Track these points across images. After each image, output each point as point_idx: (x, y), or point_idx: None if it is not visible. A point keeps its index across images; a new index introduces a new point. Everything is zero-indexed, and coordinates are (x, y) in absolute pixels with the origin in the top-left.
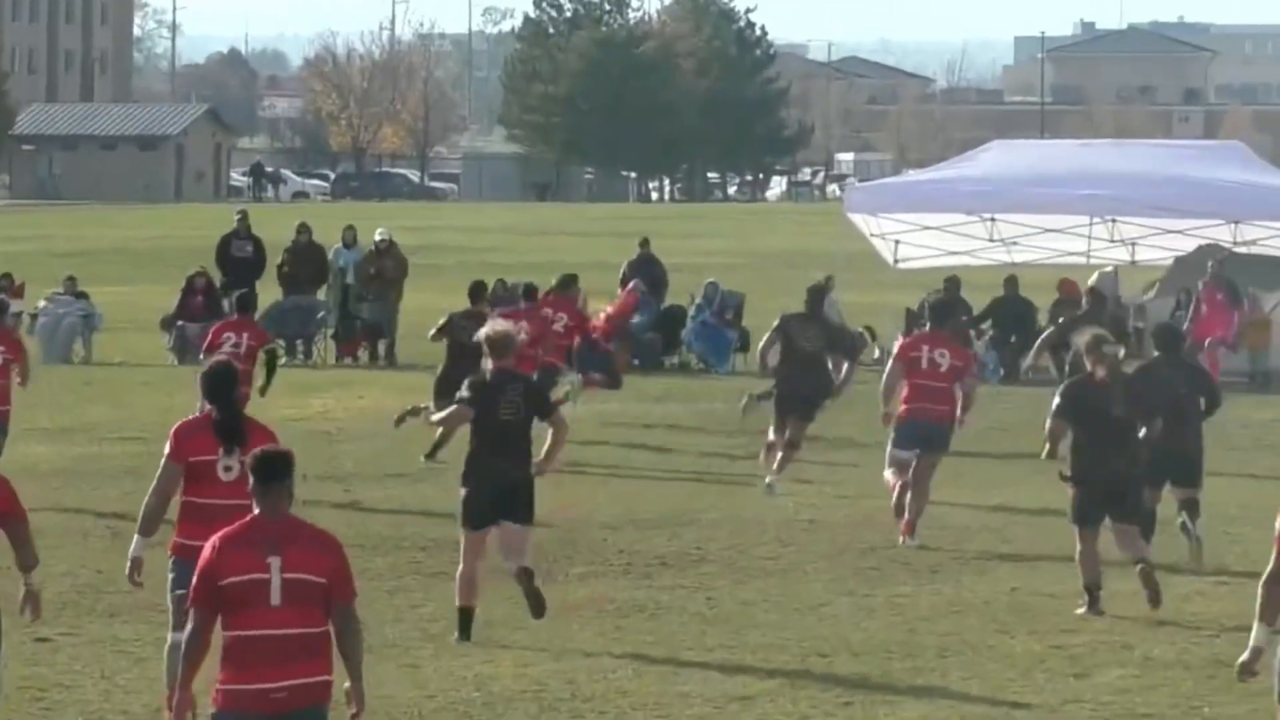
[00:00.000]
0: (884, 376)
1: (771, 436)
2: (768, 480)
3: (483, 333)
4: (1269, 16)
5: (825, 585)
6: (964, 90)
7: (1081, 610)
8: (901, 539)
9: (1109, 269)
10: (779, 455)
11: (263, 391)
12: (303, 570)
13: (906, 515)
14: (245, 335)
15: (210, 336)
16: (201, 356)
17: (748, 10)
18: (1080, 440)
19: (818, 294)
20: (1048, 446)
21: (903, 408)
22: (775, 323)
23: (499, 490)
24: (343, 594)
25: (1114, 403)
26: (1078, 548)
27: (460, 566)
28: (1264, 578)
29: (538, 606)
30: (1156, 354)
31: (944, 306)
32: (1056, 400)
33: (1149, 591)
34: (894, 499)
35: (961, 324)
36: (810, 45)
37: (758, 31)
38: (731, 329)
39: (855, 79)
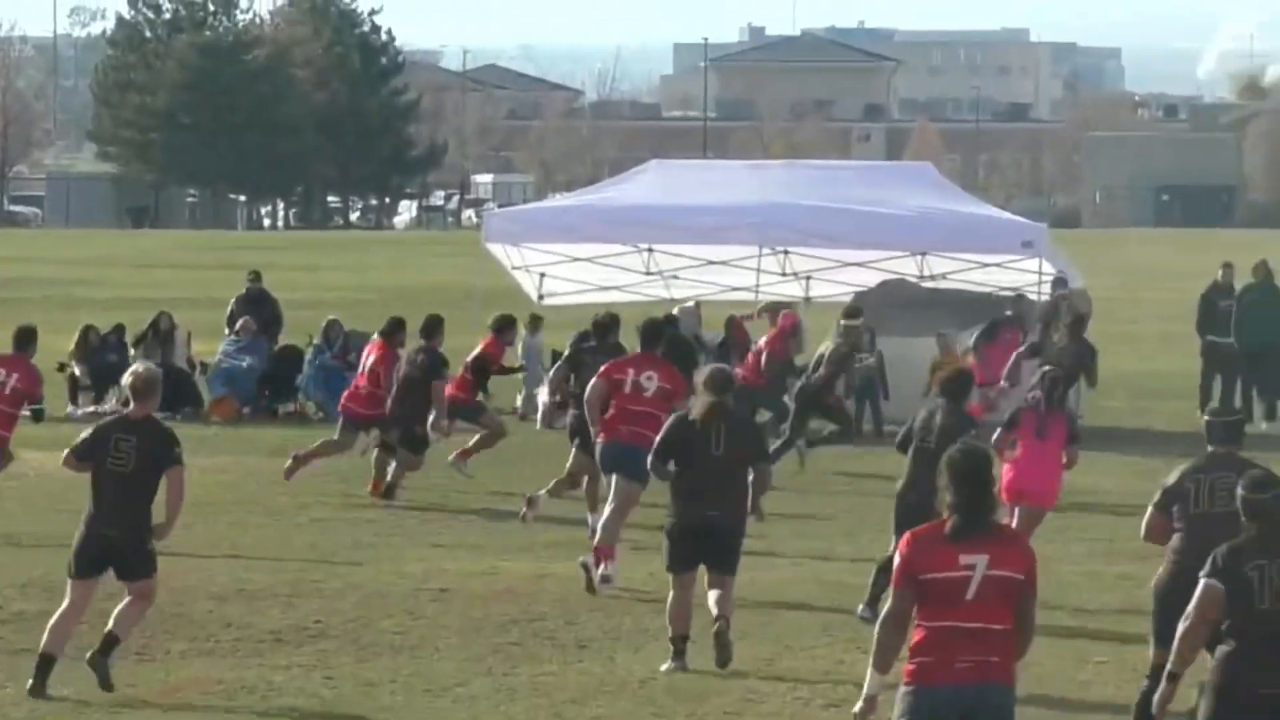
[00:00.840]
0: (586, 393)
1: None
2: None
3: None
4: (958, 22)
5: (459, 664)
6: (617, 103)
7: (666, 666)
8: (601, 565)
9: (690, 304)
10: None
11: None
12: None
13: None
14: (14, 375)
15: None
16: None
17: (372, 13)
18: (677, 481)
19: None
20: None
21: (601, 432)
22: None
23: (101, 548)
24: None
25: (714, 443)
26: (669, 595)
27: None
28: (880, 619)
29: (103, 679)
30: (941, 401)
31: (655, 326)
32: (658, 438)
33: (719, 654)
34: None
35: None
36: (444, 52)
37: (384, 37)
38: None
39: (494, 90)
